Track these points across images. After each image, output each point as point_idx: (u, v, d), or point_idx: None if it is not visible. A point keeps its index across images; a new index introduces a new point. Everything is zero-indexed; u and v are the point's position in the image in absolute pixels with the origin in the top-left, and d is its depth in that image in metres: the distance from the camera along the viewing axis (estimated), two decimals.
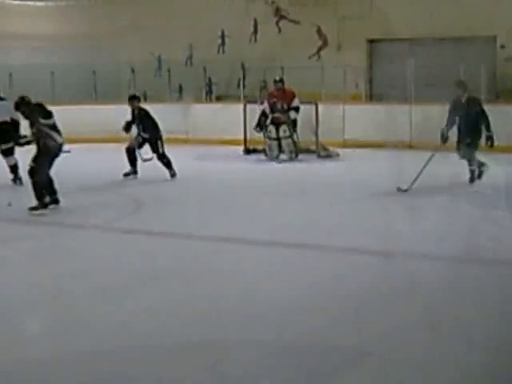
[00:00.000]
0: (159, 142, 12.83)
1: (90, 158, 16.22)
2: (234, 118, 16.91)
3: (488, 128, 11.37)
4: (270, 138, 15.28)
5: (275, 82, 15.76)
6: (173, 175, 12.74)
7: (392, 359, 4.84)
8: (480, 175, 11.59)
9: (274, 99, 15.28)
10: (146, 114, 12.95)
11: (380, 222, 8.85)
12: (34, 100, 10.12)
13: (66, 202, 10.47)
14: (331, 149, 15.85)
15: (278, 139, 15.15)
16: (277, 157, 15.15)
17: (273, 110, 15.20)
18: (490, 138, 11.37)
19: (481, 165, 11.58)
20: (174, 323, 5.60)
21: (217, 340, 5.25)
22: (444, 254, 7.40)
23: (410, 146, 16.05)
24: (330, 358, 4.89)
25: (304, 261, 7.37)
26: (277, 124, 15.16)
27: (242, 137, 16.46)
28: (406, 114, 16.42)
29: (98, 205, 10.77)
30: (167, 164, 12.78)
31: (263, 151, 15.62)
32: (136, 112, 13.02)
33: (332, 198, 10.77)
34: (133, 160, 12.95)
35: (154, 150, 12.82)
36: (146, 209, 10.27)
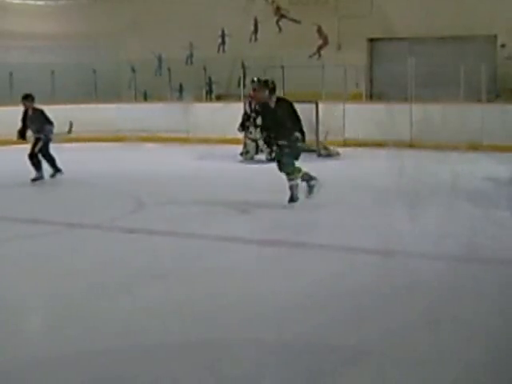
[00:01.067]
0: (40, 142, 12.51)
1: (90, 156, 16.22)
2: (234, 117, 16.90)
3: (301, 131, 9.91)
4: (250, 139, 15.29)
5: (252, 82, 15.71)
6: (54, 174, 12.60)
7: (391, 358, 4.84)
8: (311, 190, 10.19)
9: (250, 99, 15.29)
10: (42, 113, 12.65)
11: (380, 221, 8.84)
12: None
13: (66, 200, 10.48)
14: (331, 148, 15.87)
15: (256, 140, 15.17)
16: (251, 158, 15.16)
17: (251, 111, 15.20)
18: (297, 140, 9.80)
19: (309, 178, 10.19)
20: (173, 322, 5.60)
21: (216, 339, 5.24)
22: (444, 253, 7.40)
23: (410, 145, 16.09)
24: (329, 356, 4.89)
25: (304, 260, 7.38)
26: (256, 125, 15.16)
27: (242, 136, 16.43)
28: (406, 113, 16.46)
29: (99, 204, 10.77)
30: (35, 164, 12.50)
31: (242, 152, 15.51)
32: (30, 112, 12.70)
33: (332, 196, 10.76)
34: (37, 164, 12.59)
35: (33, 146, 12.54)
36: (146, 208, 10.26)
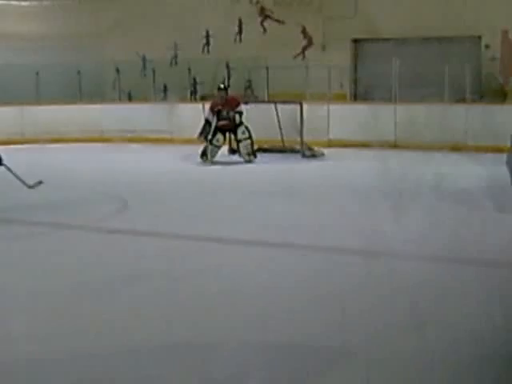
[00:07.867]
0: None
1: (74, 157, 16.16)
2: None
3: None
4: (215, 146, 14.84)
5: (219, 89, 15.44)
6: None
7: (377, 359, 4.84)
8: None
9: (219, 107, 15.05)
10: None
11: (366, 222, 8.85)
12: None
13: (51, 201, 10.43)
14: (316, 148, 15.88)
15: (237, 141, 14.93)
16: (212, 162, 14.76)
17: (218, 118, 14.95)
18: None
19: None
20: (159, 323, 5.58)
21: (202, 340, 5.23)
22: (428, 254, 7.41)
23: (395, 146, 16.12)
24: (314, 357, 4.89)
25: (289, 261, 7.37)
26: (224, 131, 14.97)
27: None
28: (391, 114, 16.51)
29: (84, 204, 10.73)
30: None
31: (203, 154, 14.92)
32: None
33: (317, 197, 10.78)
34: None
35: None
36: (131, 209, 10.23)
